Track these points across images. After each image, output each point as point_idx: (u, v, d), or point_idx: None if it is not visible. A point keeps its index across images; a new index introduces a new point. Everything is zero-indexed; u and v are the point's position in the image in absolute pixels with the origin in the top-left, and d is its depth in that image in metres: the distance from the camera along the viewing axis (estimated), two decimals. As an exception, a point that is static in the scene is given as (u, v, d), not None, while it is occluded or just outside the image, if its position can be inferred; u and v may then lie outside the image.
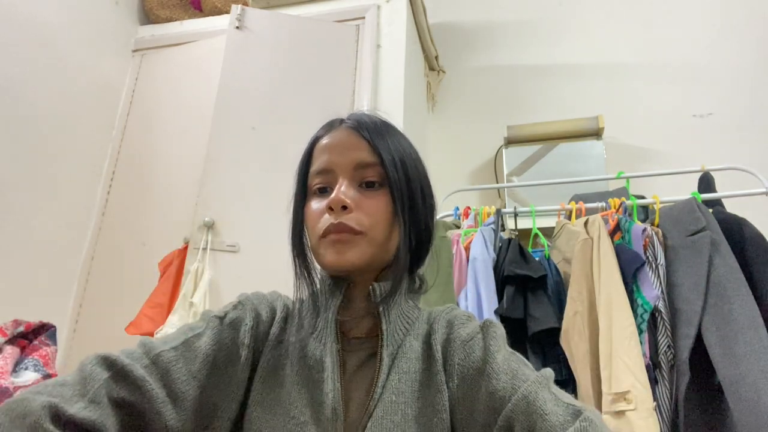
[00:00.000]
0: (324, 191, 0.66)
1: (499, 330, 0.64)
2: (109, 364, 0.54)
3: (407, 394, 0.61)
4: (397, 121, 1.91)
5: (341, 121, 0.70)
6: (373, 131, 0.67)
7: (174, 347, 0.60)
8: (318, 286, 0.70)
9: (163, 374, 0.57)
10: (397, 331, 0.65)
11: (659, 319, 1.35)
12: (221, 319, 0.65)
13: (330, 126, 0.71)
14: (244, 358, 0.63)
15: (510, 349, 0.62)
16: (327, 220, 0.63)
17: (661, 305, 1.35)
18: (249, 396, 0.64)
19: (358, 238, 0.62)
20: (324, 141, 0.68)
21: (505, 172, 2.23)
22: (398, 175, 0.65)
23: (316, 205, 0.66)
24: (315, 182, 0.67)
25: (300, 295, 0.70)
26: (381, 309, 0.64)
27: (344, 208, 0.62)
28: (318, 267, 0.69)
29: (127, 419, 0.54)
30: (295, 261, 0.70)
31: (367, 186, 0.65)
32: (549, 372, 0.58)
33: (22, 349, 1.25)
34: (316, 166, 0.67)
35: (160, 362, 0.57)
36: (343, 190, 0.63)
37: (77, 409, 0.48)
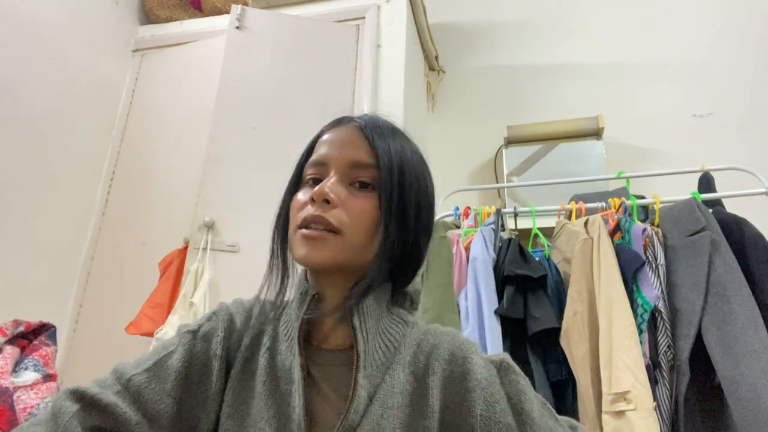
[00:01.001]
0: (316, 180, 0.64)
1: (522, 379, 0.61)
2: (79, 396, 0.56)
3: (388, 430, 0.57)
4: (397, 121, 1.92)
5: (351, 119, 0.68)
6: (377, 133, 0.64)
7: (146, 369, 0.61)
8: (289, 282, 0.68)
9: (136, 397, 0.58)
10: (376, 350, 0.61)
11: (659, 319, 1.35)
12: (194, 332, 0.65)
13: (338, 122, 0.69)
14: (218, 369, 0.63)
15: (537, 398, 0.60)
16: (308, 210, 0.61)
17: (661, 305, 1.35)
18: (222, 407, 0.63)
19: (332, 237, 0.59)
20: (327, 135, 0.67)
21: (505, 172, 2.23)
22: (391, 180, 0.62)
23: (302, 196, 0.64)
24: (308, 173, 0.65)
25: (269, 289, 0.68)
26: (358, 325, 0.60)
27: (327, 202, 0.60)
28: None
29: None
30: (273, 249, 0.67)
31: (359, 186, 0.62)
32: (582, 429, 0.58)
33: (22, 349, 1.25)
34: (313, 158, 0.66)
35: (131, 386, 0.59)
36: (330, 184, 0.61)
37: None
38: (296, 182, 0.68)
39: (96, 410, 0.56)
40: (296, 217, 0.62)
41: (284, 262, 0.67)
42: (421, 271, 0.70)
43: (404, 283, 0.69)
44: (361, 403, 0.57)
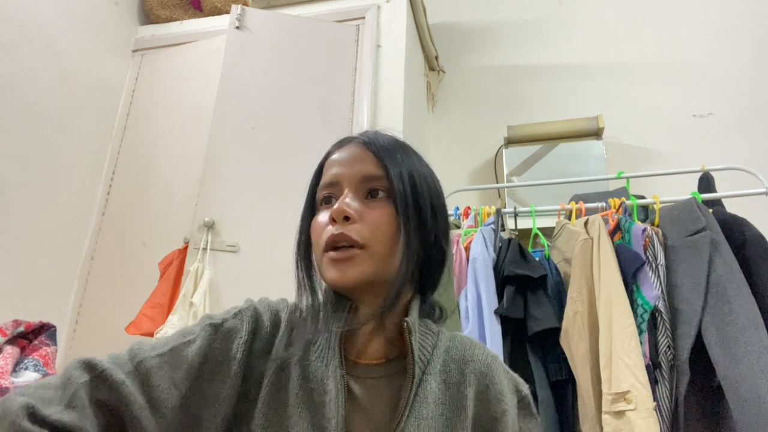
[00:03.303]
0: (329, 200, 0.66)
1: (536, 420, 0.65)
2: (91, 367, 0.56)
3: None
4: (397, 121, 1.93)
5: (353, 138, 0.71)
6: (382, 147, 0.67)
7: (160, 354, 0.59)
8: (321, 299, 0.69)
9: (144, 380, 0.57)
10: (419, 366, 0.63)
11: (659, 319, 1.35)
12: (217, 327, 0.63)
13: (342, 143, 0.72)
14: (234, 372, 0.61)
15: None
16: (329, 231, 0.62)
17: (661, 305, 1.35)
18: (240, 414, 0.61)
19: (359, 253, 0.61)
20: (334, 156, 0.69)
21: (505, 172, 2.23)
22: (403, 188, 0.64)
23: (321, 218, 0.66)
24: (322, 195, 0.67)
25: (301, 306, 0.69)
26: (414, 344, 0.62)
27: (346, 218, 0.62)
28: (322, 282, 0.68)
29: (110, 422, 0.55)
30: (298, 275, 0.69)
31: (372, 195, 0.65)
32: None
33: (22, 349, 1.25)
34: (324, 179, 0.68)
35: (142, 368, 0.58)
36: (346, 201, 0.63)
37: (52, 411, 0.50)
38: (311, 206, 0.70)
39: (104, 385, 0.55)
40: (320, 240, 0.63)
41: (312, 284, 0.68)
42: (444, 277, 0.72)
43: (432, 288, 0.71)
44: (403, 420, 0.59)
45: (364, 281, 0.61)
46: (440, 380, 0.63)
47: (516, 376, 0.66)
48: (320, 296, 0.69)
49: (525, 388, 0.65)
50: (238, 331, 0.64)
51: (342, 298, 0.65)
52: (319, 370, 0.63)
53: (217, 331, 0.63)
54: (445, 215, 0.71)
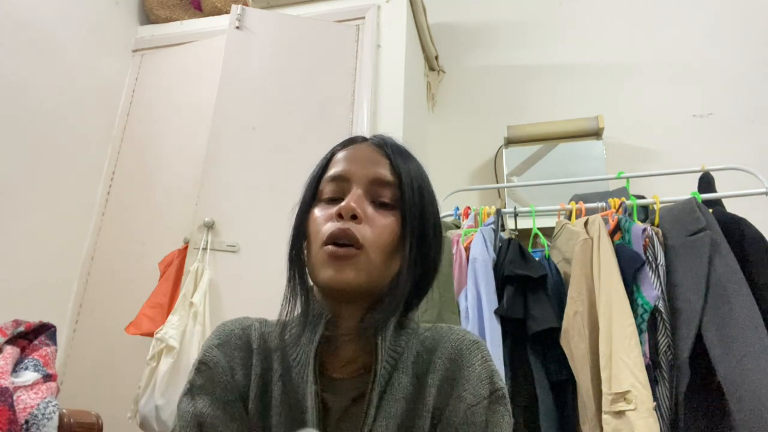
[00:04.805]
0: (334, 201, 0.62)
1: (509, 416, 0.59)
2: None
3: None
4: (397, 120, 1.93)
5: (363, 138, 0.69)
6: (396, 152, 0.65)
7: None
8: (305, 306, 0.64)
9: None
10: (385, 366, 0.60)
11: (659, 319, 1.35)
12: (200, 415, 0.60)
13: (351, 141, 0.69)
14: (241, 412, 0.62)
15: None
16: (332, 226, 0.59)
17: (661, 305, 1.35)
18: None
19: (358, 254, 0.58)
20: (343, 153, 0.66)
21: (505, 172, 2.23)
22: (414, 199, 0.62)
23: (321, 212, 0.62)
24: (327, 189, 0.64)
25: (285, 316, 0.64)
26: (380, 344, 0.59)
27: (354, 217, 0.59)
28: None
29: None
30: (290, 271, 0.64)
31: (379, 205, 0.62)
32: None
33: (22, 349, 1.25)
34: (331, 172, 0.64)
35: None
36: (356, 199, 0.60)
37: None
38: (311, 198, 0.66)
39: None
40: (320, 234, 0.60)
41: (303, 282, 0.64)
42: (431, 294, 0.69)
43: (417, 300, 0.67)
44: (370, 422, 0.57)
45: (357, 286, 0.58)
46: (411, 374, 0.61)
47: (495, 368, 0.61)
48: (310, 297, 0.64)
49: (501, 382, 0.60)
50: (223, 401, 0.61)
51: (323, 309, 0.61)
52: (300, 386, 0.60)
53: (212, 402, 0.61)
54: (442, 237, 0.69)
